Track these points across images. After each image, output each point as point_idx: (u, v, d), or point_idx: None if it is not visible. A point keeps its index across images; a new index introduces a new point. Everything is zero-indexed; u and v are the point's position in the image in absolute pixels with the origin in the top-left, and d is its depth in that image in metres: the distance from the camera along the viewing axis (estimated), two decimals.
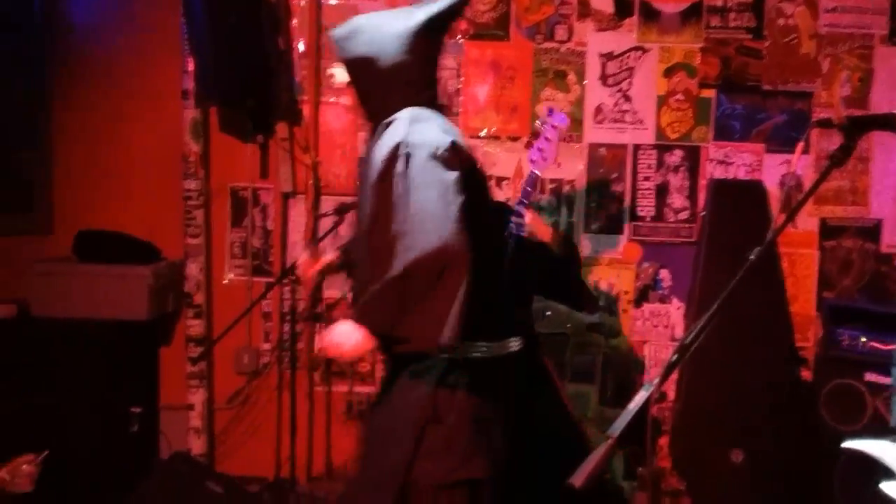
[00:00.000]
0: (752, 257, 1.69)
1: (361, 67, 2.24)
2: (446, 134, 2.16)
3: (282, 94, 3.78)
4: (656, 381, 1.65)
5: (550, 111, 2.95)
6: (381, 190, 2.11)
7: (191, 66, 3.68)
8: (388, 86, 2.22)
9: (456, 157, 2.13)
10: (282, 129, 3.80)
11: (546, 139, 2.86)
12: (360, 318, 2.14)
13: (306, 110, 3.80)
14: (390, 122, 2.19)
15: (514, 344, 2.47)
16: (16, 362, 3.56)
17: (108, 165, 3.90)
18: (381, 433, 2.33)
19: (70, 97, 3.87)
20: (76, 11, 3.87)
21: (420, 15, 2.23)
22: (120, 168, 3.90)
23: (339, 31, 2.32)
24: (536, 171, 2.82)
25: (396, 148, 2.10)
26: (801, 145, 3.21)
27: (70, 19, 3.87)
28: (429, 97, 2.27)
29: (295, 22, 3.79)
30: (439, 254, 2.03)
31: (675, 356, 1.67)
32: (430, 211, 2.04)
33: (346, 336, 2.15)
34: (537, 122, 3.02)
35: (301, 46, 3.79)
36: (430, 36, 2.25)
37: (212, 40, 3.48)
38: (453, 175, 2.10)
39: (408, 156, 2.09)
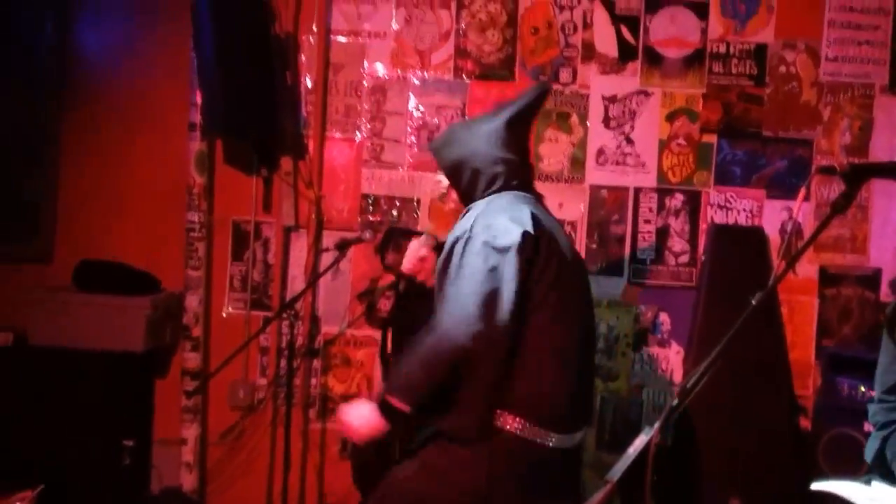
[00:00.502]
0: (753, 301, 1.69)
1: (458, 169, 2.48)
2: (513, 223, 2.27)
3: (287, 128, 3.81)
4: (656, 425, 1.63)
5: None
6: (441, 275, 2.31)
7: (198, 99, 3.72)
8: (482, 180, 2.44)
9: (521, 246, 2.24)
10: (286, 163, 3.82)
11: None
12: (391, 391, 2.28)
13: (311, 145, 3.83)
14: (467, 211, 2.42)
15: (579, 435, 2.42)
16: (11, 391, 3.54)
17: (112, 195, 3.91)
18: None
19: (77, 126, 3.91)
20: (86, 42, 3.92)
21: (505, 113, 2.50)
22: (124, 198, 3.92)
23: (436, 142, 2.62)
24: None
25: (460, 236, 2.29)
26: (803, 191, 3.22)
27: (80, 49, 3.91)
28: (520, 183, 2.46)
29: (303, 58, 3.83)
30: (460, 347, 2.18)
31: (676, 401, 1.65)
32: (462, 298, 2.19)
33: (363, 419, 2.32)
34: None
35: (308, 82, 3.83)
36: (516, 129, 2.49)
37: (220, 73, 3.51)
38: (507, 265, 2.21)
39: (466, 241, 2.27)
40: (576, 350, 2.35)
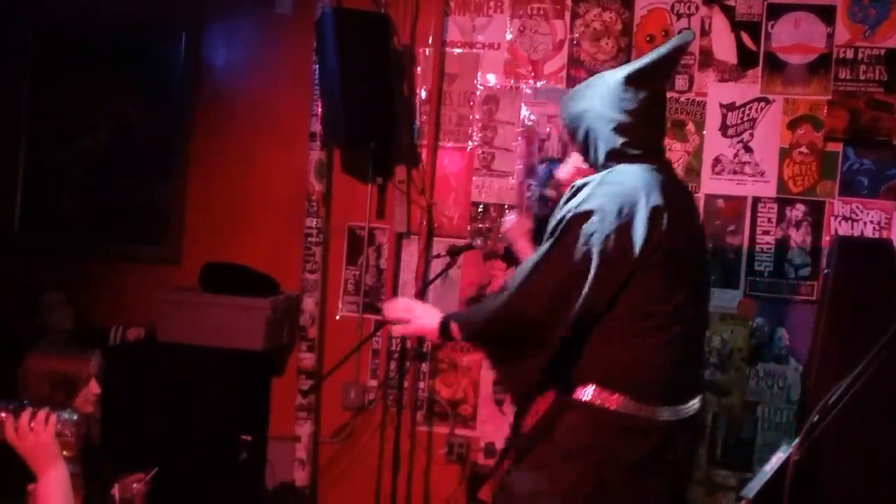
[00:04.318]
0: None
1: (574, 126, 2.39)
2: (621, 208, 2.17)
3: (402, 138, 3.90)
4: (795, 442, 1.58)
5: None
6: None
7: (318, 110, 3.86)
8: (596, 143, 2.34)
9: (615, 241, 2.16)
10: (400, 171, 3.92)
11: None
12: (456, 318, 2.36)
13: (424, 154, 3.90)
14: (582, 186, 2.30)
15: (684, 408, 2.31)
16: (140, 383, 3.76)
17: (236, 201, 4.11)
18: None
19: (205, 136, 4.13)
20: (215, 57, 4.15)
21: (626, 68, 2.35)
22: (247, 204, 4.10)
23: (566, 94, 2.52)
24: None
25: (569, 214, 2.22)
26: None
27: (209, 64, 4.15)
28: (641, 152, 2.30)
29: (418, 70, 3.93)
30: (526, 316, 2.21)
31: (817, 416, 1.59)
32: (547, 272, 2.20)
33: (421, 321, 2.41)
34: None
35: (423, 93, 3.92)
36: (636, 87, 2.30)
37: (342, 86, 3.64)
38: (592, 255, 2.15)
39: (576, 216, 2.20)
40: (677, 323, 2.25)
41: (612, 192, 2.21)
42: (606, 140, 2.31)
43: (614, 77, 2.34)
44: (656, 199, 2.19)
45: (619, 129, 2.29)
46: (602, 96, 2.32)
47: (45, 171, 4.25)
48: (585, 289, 2.15)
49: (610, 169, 2.30)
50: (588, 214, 2.18)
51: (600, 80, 2.39)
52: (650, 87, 2.35)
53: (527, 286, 2.21)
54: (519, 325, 2.23)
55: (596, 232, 2.16)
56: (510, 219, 2.98)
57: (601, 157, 2.33)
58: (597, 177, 2.30)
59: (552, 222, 2.33)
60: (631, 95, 2.29)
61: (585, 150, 2.38)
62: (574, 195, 2.30)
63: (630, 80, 2.30)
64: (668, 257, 2.21)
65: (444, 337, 2.39)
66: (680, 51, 2.42)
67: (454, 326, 2.34)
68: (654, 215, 2.18)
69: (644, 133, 2.33)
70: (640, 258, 2.17)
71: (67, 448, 2.01)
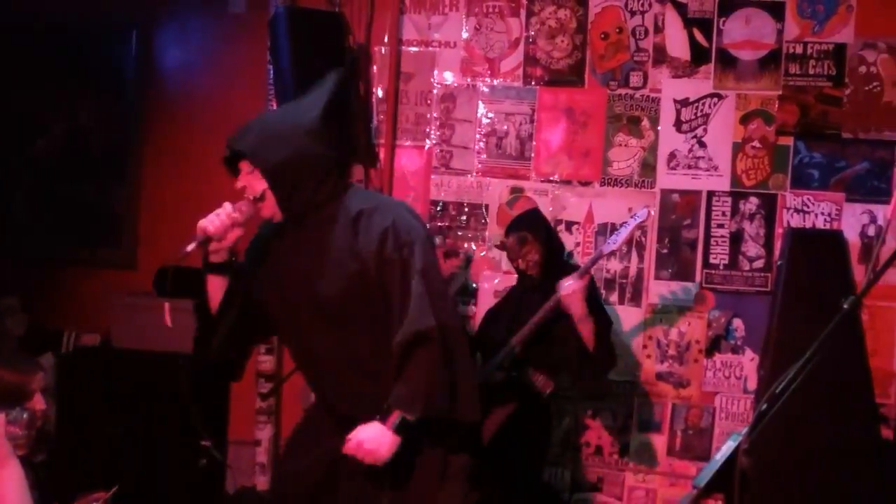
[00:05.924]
0: (846, 306, 1.65)
1: (286, 169, 2.31)
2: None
3: (360, 138, 3.88)
4: (744, 430, 1.61)
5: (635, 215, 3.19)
6: (394, 268, 2.27)
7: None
8: (315, 177, 2.33)
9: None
10: (358, 171, 3.90)
11: (624, 225, 3.16)
12: (424, 411, 2.22)
13: (382, 153, 3.89)
14: (370, 211, 2.33)
15: None
16: (96, 390, 3.69)
17: (192, 204, 4.03)
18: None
19: (158, 138, 4.08)
20: (167, 56, 4.10)
21: (318, 107, 2.41)
22: (202, 207, 4.00)
23: (247, 143, 2.35)
24: (603, 250, 3.14)
25: (402, 231, 2.29)
26: None
27: (161, 64, 4.09)
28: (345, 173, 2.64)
29: (375, 69, 3.91)
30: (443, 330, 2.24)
31: (765, 405, 1.62)
32: (438, 291, 2.30)
33: (377, 442, 2.23)
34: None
35: (379, 92, 3.91)
36: (331, 123, 2.45)
37: (296, 85, 3.61)
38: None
39: (414, 239, 2.29)
40: None
41: (398, 208, 2.42)
42: (326, 174, 2.34)
43: (313, 115, 2.37)
44: None
45: (333, 160, 2.39)
46: (312, 136, 2.32)
47: None
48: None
49: (351, 192, 2.42)
50: (415, 227, 2.33)
51: (295, 120, 2.37)
52: (333, 119, 2.49)
53: (437, 303, 2.25)
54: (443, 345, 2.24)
55: (424, 239, 2.33)
56: (570, 284, 3.00)
57: (322, 190, 2.34)
58: (368, 200, 2.39)
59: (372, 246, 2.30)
60: (328, 131, 2.39)
61: (291, 193, 2.33)
62: (358, 221, 2.33)
63: (328, 118, 2.39)
64: None
65: (401, 430, 2.22)
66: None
67: (400, 411, 2.21)
68: None
69: (348, 160, 2.62)
70: None
71: (19, 447, 1.97)
